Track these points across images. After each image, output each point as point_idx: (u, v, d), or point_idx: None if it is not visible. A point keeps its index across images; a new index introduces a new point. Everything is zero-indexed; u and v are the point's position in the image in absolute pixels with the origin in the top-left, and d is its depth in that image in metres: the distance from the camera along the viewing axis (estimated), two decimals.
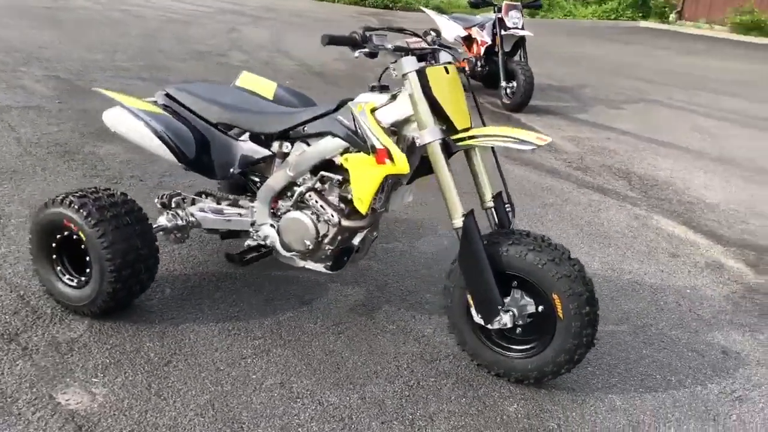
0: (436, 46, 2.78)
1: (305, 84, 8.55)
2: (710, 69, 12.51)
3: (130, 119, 3.10)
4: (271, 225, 3.09)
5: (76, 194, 2.88)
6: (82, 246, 2.88)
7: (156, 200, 3.36)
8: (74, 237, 2.88)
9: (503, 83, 8.09)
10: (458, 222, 2.66)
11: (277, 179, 3.02)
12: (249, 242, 3.24)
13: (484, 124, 2.82)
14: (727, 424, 2.68)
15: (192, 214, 3.30)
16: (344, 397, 2.64)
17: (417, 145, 2.69)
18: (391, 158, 2.63)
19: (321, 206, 2.89)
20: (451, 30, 9.03)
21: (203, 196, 3.44)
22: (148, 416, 2.44)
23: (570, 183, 5.58)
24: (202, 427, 2.41)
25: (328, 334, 3.05)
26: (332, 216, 2.85)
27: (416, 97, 2.62)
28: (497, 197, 2.84)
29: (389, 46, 2.65)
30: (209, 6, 15.07)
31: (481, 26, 8.63)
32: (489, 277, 2.61)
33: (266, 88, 3.46)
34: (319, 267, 3.06)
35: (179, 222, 3.26)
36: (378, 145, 2.65)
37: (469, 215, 2.64)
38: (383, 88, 2.83)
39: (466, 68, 8.86)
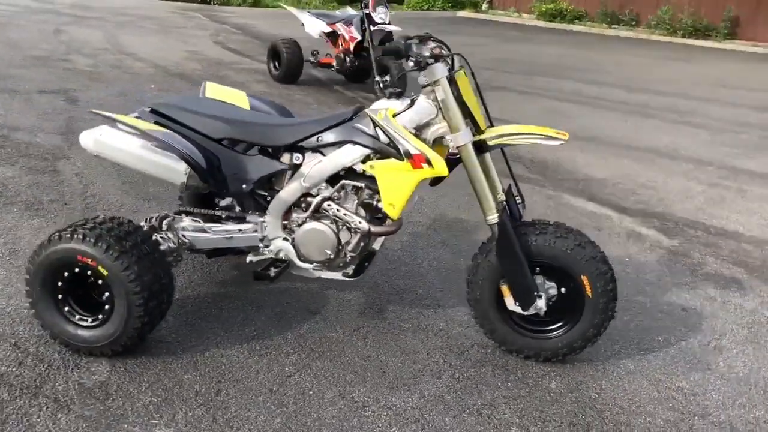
0: (454, 52, 2.89)
1: (171, 87, 8.22)
2: (534, 54, 13.60)
3: (124, 139, 2.91)
4: (284, 238, 3.05)
5: (85, 226, 2.67)
6: (98, 282, 2.67)
7: (143, 223, 3.16)
8: (87, 273, 2.66)
9: (377, 77, 8.28)
10: (494, 218, 2.82)
11: (290, 191, 2.98)
12: (252, 258, 3.16)
13: (491, 123, 2.98)
14: (720, 370, 3.09)
15: (184, 236, 3.16)
16: (406, 399, 2.71)
17: (450, 148, 2.80)
18: (428, 163, 2.72)
19: (344, 215, 2.91)
20: (314, 26, 9.08)
21: (182, 215, 3.30)
22: None
23: None
24: None
25: (355, 340, 3.08)
26: (360, 224, 2.88)
27: (448, 101, 2.73)
28: (508, 191, 3.02)
29: (426, 53, 2.73)
30: (13, 4, 13.79)
31: (347, 22, 8.76)
32: (525, 267, 2.80)
33: (239, 98, 3.38)
34: (337, 275, 3.08)
35: (172, 245, 3.12)
36: (413, 151, 2.73)
37: (502, 212, 2.80)
38: (398, 95, 2.90)
39: (333, 64, 8.96)
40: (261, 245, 3.09)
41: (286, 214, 3.04)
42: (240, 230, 3.15)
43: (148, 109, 3.04)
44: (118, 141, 2.99)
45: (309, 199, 2.98)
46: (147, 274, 2.66)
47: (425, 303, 3.46)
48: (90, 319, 2.75)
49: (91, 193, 4.56)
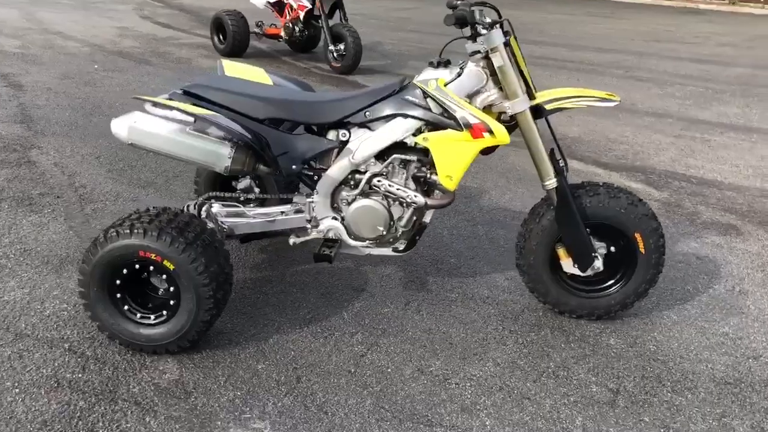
0: (504, 18, 2.87)
1: (115, 66, 7.86)
2: None
3: (161, 125, 2.77)
4: (334, 217, 2.99)
5: (142, 220, 2.53)
6: (161, 276, 2.55)
7: (185, 210, 3.03)
8: (149, 269, 2.54)
9: (331, 46, 8.15)
10: (552, 183, 2.84)
11: (339, 169, 2.92)
12: (295, 240, 3.09)
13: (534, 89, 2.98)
14: (753, 313, 3.26)
15: (222, 222, 3.05)
16: (483, 368, 2.73)
17: (508, 114, 2.79)
18: (489, 131, 2.71)
19: (397, 189, 2.87)
20: None
21: (212, 201, 3.18)
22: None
23: None
24: (394, 428, 2.37)
25: (410, 314, 3.08)
26: (415, 197, 2.85)
27: (506, 68, 2.72)
28: (551, 155, 3.05)
29: (488, 20, 2.69)
30: None
31: None
32: (584, 230, 2.86)
33: (259, 75, 3.27)
34: (387, 251, 3.05)
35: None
36: (473, 120, 2.71)
37: (560, 177, 2.84)
38: (446, 64, 2.87)
39: (281, 35, 8.76)
40: (309, 226, 3.01)
41: (334, 192, 2.97)
42: (283, 212, 3.07)
43: (180, 92, 2.89)
44: (155, 127, 2.83)
45: (358, 176, 2.92)
46: (213, 264, 2.55)
47: (462, 272, 3.48)
48: (153, 317, 2.62)
49: (80, 184, 4.32)
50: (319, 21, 8.38)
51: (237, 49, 8.80)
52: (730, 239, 4.04)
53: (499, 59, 2.70)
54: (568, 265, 2.95)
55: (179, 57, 8.68)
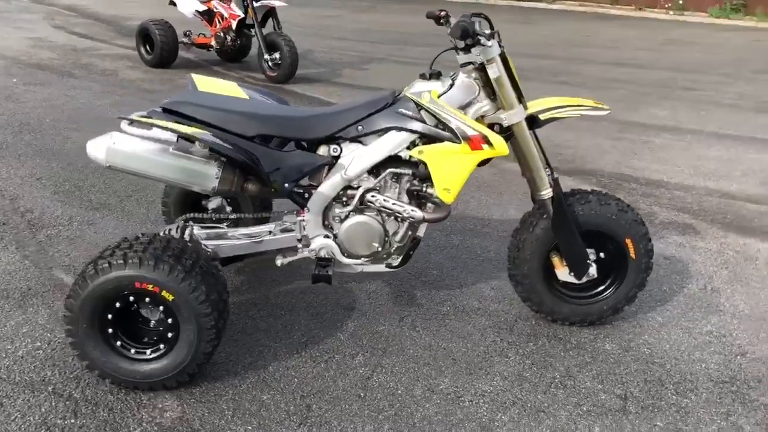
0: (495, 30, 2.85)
1: (35, 80, 7.47)
2: (390, 24, 13.73)
3: (142, 146, 2.61)
4: (326, 235, 2.89)
5: (134, 248, 2.36)
6: (159, 308, 2.39)
7: (163, 234, 2.85)
8: (145, 300, 2.38)
9: (266, 55, 8.00)
10: (548, 193, 2.85)
11: (331, 185, 2.82)
12: (282, 260, 2.98)
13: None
14: (729, 310, 3.35)
15: (205, 245, 2.91)
16: (491, 383, 2.70)
17: (505, 125, 2.77)
18: (488, 143, 2.69)
19: (393, 204, 2.81)
20: (187, 4, 8.58)
21: (189, 222, 3.03)
22: None
23: None
24: None
25: (406, 331, 3.02)
26: (413, 212, 2.79)
27: (502, 79, 2.71)
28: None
29: (487, 31, 2.67)
30: None
31: None
32: (579, 238, 2.87)
33: (233, 89, 3.13)
34: (380, 268, 2.97)
35: None
36: (471, 132, 2.68)
37: (556, 186, 2.84)
38: (437, 76, 2.83)
39: (212, 44, 8.54)
40: (300, 245, 2.90)
41: (326, 210, 2.87)
42: (270, 232, 2.94)
43: (159, 110, 2.72)
44: (136, 148, 2.66)
45: (350, 191, 2.83)
46: (213, 292, 2.41)
47: (446, 284, 3.44)
48: (149, 351, 2.44)
49: (26, 208, 4.03)
50: (252, 30, 8.20)
51: (165, 60, 8.50)
52: (690, 238, 4.17)
53: (495, 70, 2.68)
54: (563, 274, 2.96)
55: (104, 69, 8.30)
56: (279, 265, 2.97)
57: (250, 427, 2.36)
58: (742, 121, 7.15)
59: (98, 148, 2.65)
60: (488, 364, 2.80)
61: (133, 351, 2.45)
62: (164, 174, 2.70)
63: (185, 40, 8.65)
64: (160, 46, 8.35)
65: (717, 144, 6.32)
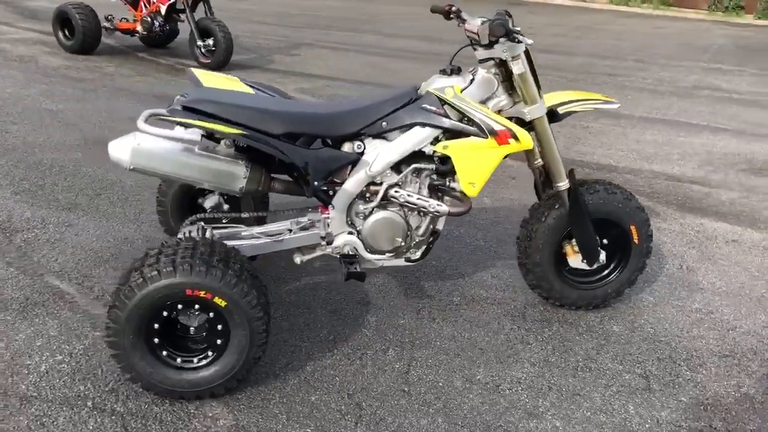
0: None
1: None
2: (313, 8, 13.59)
3: (167, 146, 2.54)
4: (350, 232, 2.90)
5: (182, 255, 2.29)
6: (207, 315, 2.34)
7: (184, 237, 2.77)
8: (191, 308, 2.32)
9: (199, 42, 7.78)
10: (565, 184, 2.96)
11: (356, 182, 2.82)
12: (302, 258, 2.96)
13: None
14: (709, 287, 3.61)
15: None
16: (522, 370, 2.80)
17: (527, 119, 2.85)
18: (515, 137, 2.76)
19: (418, 199, 2.84)
20: None
21: (202, 223, 2.97)
22: None
23: None
24: None
25: (427, 323, 3.07)
26: (438, 206, 2.84)
27: (527, 74, 2.78)
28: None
29: (518, 28, 2.72)
30: None
31: None
32: (590, 225, 3.01)
33: (239, 85, 3.08)
34: (400, 262, 3.01)
35: None
36: (498, 127, 2.74)
37: (572, 178, 2.96)
38: (458, 71, 2.87)
39: (138, 29, 8.21)
40: (323, 243, 2.88)
41: (350, 206, 2.87)
42: (290, 230, 2.91)
43: (179, 108, 2.62)
44: (162, 148, 2.57)
45: (373, 187, 2.84)
46: (261, 296, 2.38)
47: (448, 274, 3.51)
48: (197, 359, 2.38)
49: None
50: (181, 15, 7.93)
51: (88, 46, 8.10)
52: (653, 220, 4.41)
53: (520, 66, 2.75)
54: (575, 261, 3.09)
55: (20, 55, 7.81)
56: (299, 262, 2.95)
57: (308, 430, 2.34)
58: (665, 106, 7.60)
59: (122, 150, 2.53)
60: (514, 352, 2.89)
61: (179, 360, 2.36)
62: (192, 175, 2.62)
63: (107, 25, 8.25)
64: (82, 32, 7.94)
65: (650, 128, 6.69)
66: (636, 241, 3.13)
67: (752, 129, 6.81)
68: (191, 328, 2.39)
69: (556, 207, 3.03)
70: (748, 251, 4.05)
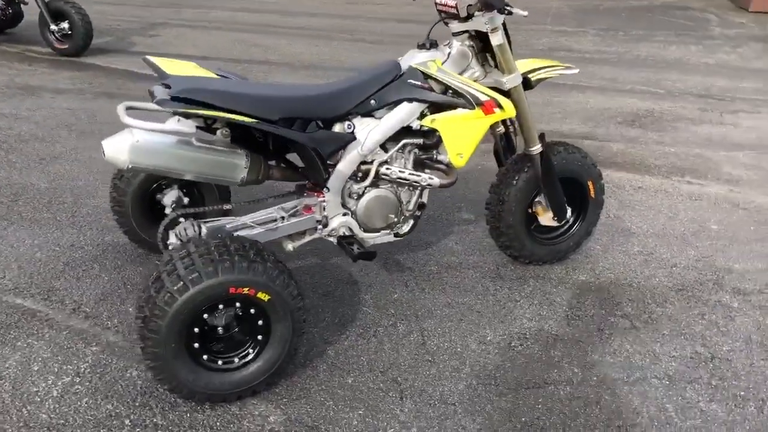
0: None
1: None
2: None
3: (166, 140, 2.43)
4: (344, 213, 2.91)
5: (216, 253, 2.21)
6: (251, 311, 2.29)
7: (174, 240, 2.65)
8: (236, 306, 2.25)
9: (52, 26, 7.20)
10: (538, 148, 3.14)
11: (349, 162, 2.83)
12: (292, 245, 2.94)
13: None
14: (638, 231, 3.99)
15: None
16: (522, 326, 2.96)
17: (505, 88, 2.97)
18: (499, 106, 2.89)
19: (410, 175, 2.90)
20: None
21: (188, 218, 2.86)
22: None
23: None
24: (534, 396, 2.51)
25: (419, 294, 3.15)
26: (430, 180, 2.92)
27: (505, 46, 2.91)
28: (503, 122, 3.35)
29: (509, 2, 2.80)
30: None
31: None
32: (559, 184, 3.24)
33: (203, 70, 2.96)
34: (390, 237, 3.07)
35: None
36: (483, 98, 2.86)
37: (543, 140, 3.15)
38: (433, 45, 2.94)
39: None
40: (320, 226, 2.87)
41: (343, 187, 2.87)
42: (282, 218, 2.86)
43: (168, 98, 2.48)
44: (160, 143, 2.43)
45: (363, 167, 2.86)
46: (295, 287, 2.35)
47: (415, 246, 3.60)
48: (237, 359, 2.31)
49: None
50: None
51: None
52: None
53: (500, 38, 2.86)
54: (546, 219, 3.29)
55: None
56: (290, 249, 2.91)
57: (361, 411, 2.36)
58: None
59: (119, 149, 2.36)
60: (508, 311, 3.05)
61: (220, 362, 2.28)
62: (193, 169, 2.51)
63: None
64: None
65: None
66: (592, 195, 3.38)
67: (611, 85, 7.42)
68: (232, 327, 2.30)
69: (526, 170, 3.19)
70: (654, 195, 4.48)
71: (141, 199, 3.09)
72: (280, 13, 10.80)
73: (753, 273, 3.51)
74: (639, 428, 2.35)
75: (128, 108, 2.51)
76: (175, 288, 2.09)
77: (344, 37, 9.15)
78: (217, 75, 2.80)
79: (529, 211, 3.31)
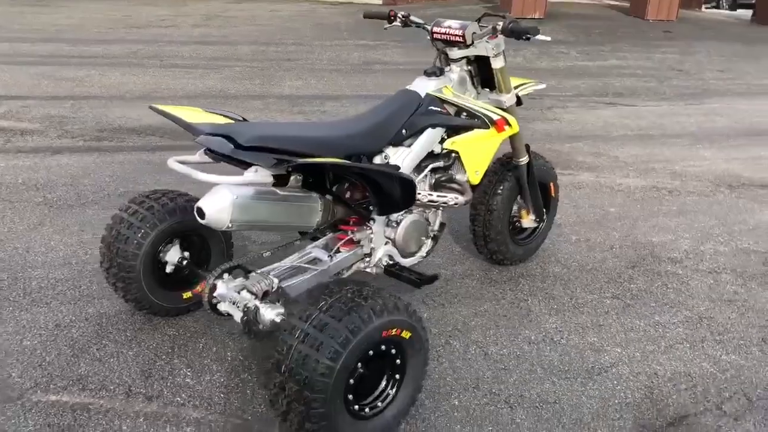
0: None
1: None
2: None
3: (257, 193, 2.37)
4: (386, 242, 2.99)
5: (364, 299, 2.20)
6: (393, 351, 2.32)
7: (249, 296, 2.54)
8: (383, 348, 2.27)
9: None
10: (525, 159, 3.45)
11: None
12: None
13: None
14: (567, 221, 4.52)
15: (281, 287, 2.73)
16: (549, 322, 3.22)
17: (505, 106, 3.22)
18: (508, 124, 3.16)
19: (439, 197, 3.05)
20: None
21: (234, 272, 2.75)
22: None
23: None
24: (569, 380, 2.79)
25: (441, 308, 3.28)
26: (457, 198, 3.09)
27: (505, 68, 3.17)
28: None
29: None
30: None
31: None
32: (538, 189, 3.59)
33: (214, 115, 2.87)
34: (419, 259, 3.17)
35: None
36: (495, 117, 3.10)
37: (528, 151, 3.47)
38: (441, 72, 3.12)
39: None
40: (366, 259, 2.92)
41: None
42: (329, 256, 2.86)
43: (234, 147, 2.36)
44: (254, 199, 2.35)
45: None
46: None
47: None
48: (381, 401, 2.31)
49: None
50: None
51: None
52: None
53: (501, 61, 3.11)
54: (528, 222, 3.62)
55: None
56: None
57: (488, 429, 2.47)
58: (371, 83, 8.40)
59: (221, 208, 2.24)
60: (527, 311, 3.31)
61: (367, 409, 2.26)
62: (283, 220, 2.46)
63: None
64: None
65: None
66: (553, 194, 3.77)
67: None
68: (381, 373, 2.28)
69: (508, 179, 3.48)
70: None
71: (152, 260, 2.85)
72: (66, 42, 9.97)
73: (670, 243, 4.15)
74: (691, 391, 2.74)
75: (181, 162, 2.36)
76: (341, 341, 2.04)
77: (155, 64, 8.76)
78: (233, 119, 2.68)
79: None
